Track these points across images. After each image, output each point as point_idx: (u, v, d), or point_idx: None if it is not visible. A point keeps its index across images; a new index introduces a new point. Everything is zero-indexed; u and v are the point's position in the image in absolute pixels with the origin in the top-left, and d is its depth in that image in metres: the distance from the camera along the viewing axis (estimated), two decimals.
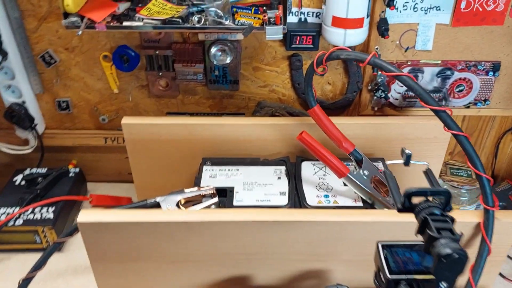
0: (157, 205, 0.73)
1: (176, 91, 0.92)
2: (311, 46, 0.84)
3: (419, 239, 0.61)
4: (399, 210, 0.45)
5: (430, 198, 0.45)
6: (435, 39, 0.84)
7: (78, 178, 0.99)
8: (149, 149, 0.83)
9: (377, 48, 0.83)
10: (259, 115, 0.93)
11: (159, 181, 0.88)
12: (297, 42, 0.82)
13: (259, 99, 0.93)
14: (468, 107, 0.91)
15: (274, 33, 0.70)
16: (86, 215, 0.61)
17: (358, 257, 0.65)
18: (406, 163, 0.58)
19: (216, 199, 0.72)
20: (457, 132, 0.57)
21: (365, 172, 0.71)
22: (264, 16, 0.71)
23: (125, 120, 0.81)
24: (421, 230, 0.41)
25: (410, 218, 0.60)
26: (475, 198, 0.88)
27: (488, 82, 0.87)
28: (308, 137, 0.68)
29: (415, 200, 0.44)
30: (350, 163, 0.80)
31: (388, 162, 0.58)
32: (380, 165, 0.81)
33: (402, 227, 0.61)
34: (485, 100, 0.89)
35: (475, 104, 0.90)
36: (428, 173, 0.57)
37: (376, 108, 0.92)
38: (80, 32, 0.70)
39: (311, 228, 0.62)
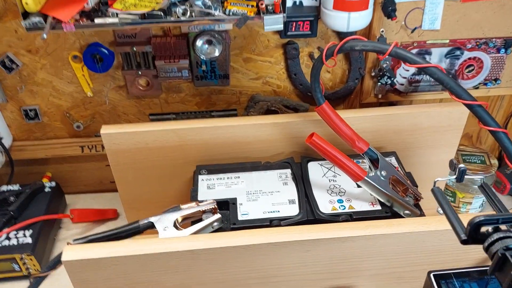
0: (151, 226, 0.64)
1: (159, 90, 0.82)
2: (309, 32, 0.75)
3: (469, 262, 0.54)
4: (463, 242, 0.38)
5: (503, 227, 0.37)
6: (443, 17, 0.76)
7: (55, 192, 0.89)
8: (134, 159, 0.74)
9: (382, 31, 0.75)
10: (253, 111, 0.85)
11: (148, 193, 0.79)
12: (293, 28, 0.73)
13: (252, 93, 0.85)
14: (477, 88, 0.84)
15: (274, 23, 0.61)
16: (72, 252, 0.52)
17: (385, 270, 0.59)
18: (460, 179, 0.50)
19: (218, 216, 0.63)
20: (496, 128, 0.50)
21: (382, 172, 0.64)
22: (261, 3, 0.62)
23: (105, 130, 0.71)
24: (498, 268, 0.34)
25: (442, 226, 0.54)
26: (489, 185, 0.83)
27: (499, 60, 0.81)
28: (319, 139, 0.60)
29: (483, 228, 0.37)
30: (360, 161, 0.73)
31: (438, 179, 0.50)
32: (392, 160, 0.74)
33: (435, 236, 0.55)
34: (495, 80, 0.83)
35: (485, 84, 0.84)
36: (485, 188, 0.49)
37: (380, 96, 0.84)
38: (45, 36, 0.59)
39: (336, 246, 0.54)
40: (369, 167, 0.66)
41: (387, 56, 0.53)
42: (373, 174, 0.63)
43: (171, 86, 0.82)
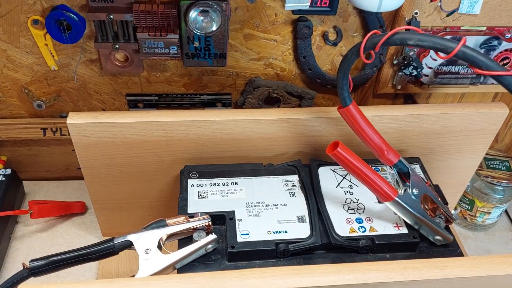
0: (129, 246, 0.52)
1: (139, 67, 0.68)
2: (327, 8, 0.62)
3: None
4: None
5: None
6: (485, 0, 0.64)
7: (11, 181, 0.75)
8: (109, 155, 0.61)
9: (416, 13, 0.62)
10: (251, 97, 0.72)
11: (124, 193, 0.66)
12: (310, 2, 0.60)
13: (251, 76, 0.71)
14: None
15: (298, 1, 0.47)
16: None
17: None
18: None
19: (213, 237, 0.51)
20: None
21: (414, 191, 0.53)
22: None
23: (74, 118, 0.57)
24: None
25: (494, 271, 0.44)
26: (510, 196, 0.74)
27: None
28: (345, 151, 0.48)
29: None
30: (380, 167, 0.62)
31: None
32: (417, 169, 0.63)
33: (484, 281, 0.45)
34: None
35: None
36: None
37: (399, 87, 0.72)
38: None
39: None
40: (397, 181, 0.55)
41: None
42: (403, 193, 0.52)
43: (155, 63, 0.68)
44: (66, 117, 0.75)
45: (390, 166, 0.54)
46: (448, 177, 0.71)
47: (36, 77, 0.68)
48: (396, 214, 0.54)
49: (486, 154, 0.77)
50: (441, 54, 0.41)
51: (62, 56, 0.66)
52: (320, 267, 0.43)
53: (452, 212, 0.80)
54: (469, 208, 0.76)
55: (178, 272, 0.51)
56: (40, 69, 0.67)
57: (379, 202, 0.56)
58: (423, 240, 0.55)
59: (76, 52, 0.66)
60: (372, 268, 0.44)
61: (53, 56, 0.65)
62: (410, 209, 0.52)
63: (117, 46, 0.63)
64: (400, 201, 0.51)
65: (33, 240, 0.73)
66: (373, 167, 0.60)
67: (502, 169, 0.74)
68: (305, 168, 0.61)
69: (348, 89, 0.50)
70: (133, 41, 0.63)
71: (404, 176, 0.55)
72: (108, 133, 0.58)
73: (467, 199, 0.76)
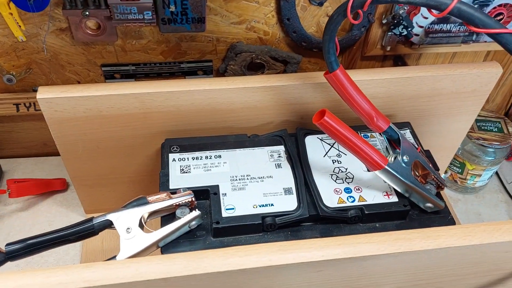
0: (109, 225, 0.49)
1: (113, 35, 0.63)
2: None
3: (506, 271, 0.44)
4: None
5: None
6: None
7: None
8: (85, 130, 0.57)
9: None
10: (233, 64, 0.68)
11: (104, 168, 0.63)
12: None
13: (232, 41, 0.67)
14: None
15: None
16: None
17: (409, 283, 0.48)
18: None
19: (197, 213, 0.49)
20: None
21: (404, 158, 0.51)
22: None
23: (43, 93, 0.53)
24: None
25: (488, 238, 0.43)
26: (501, 158, 0.72)
27: None
28: (332, 119, 0.45)
29: None
30: (368, 134, 0.59)
31: None
32: (407, 134, 0.61)
33: (479, 249, 0.44)
34: None
35: None
36: None
37: (388, 48, 0.69)
38: None
39: (355, 264, 0.42)
40: (386, 148, 0.53)
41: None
42: (393, 160, 0.50)
43: (129, 30, 0.64)
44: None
45: (380, 133, 0.52)
46: (439, 140, 0.69)
47: (3, 50, 0.64)
48: (386, 182, 0.52)
49: (477, 115, 0.75)
50: (434, 12, 0.38)
51: (29, 25, 0.61)
52: (307, 242, 0.41)
53: (442, 175, 0.79)
54: (460, 171, 0.75)
55: (161, 251, 0.49)
56: (7, 41, 0.63)
57: (368, 170, 0.54)
58: (413, 208, 0.53)
59: (44, 21, 0.61)
60: (362, 240, 0.42)
61: (20, 26, 0.61)
62: (400, 177, 0.50)
63: (87, 13, 0.59)
64: (390, 170, 0.49)
65: (13, 220, 0.71)
66: (361, 134, 0.58)
67: (494, 130, 0.72)
68: (291, 137, 0.59)
69: (335, 53, 0.47)
70: (104, 7, 0.59)
71: (394, 142, 0.52)
72: (82, 108, 0.55)
73: (457, 162, 0.75)
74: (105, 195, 0.68)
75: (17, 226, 0.70)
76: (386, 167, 0.49)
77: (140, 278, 0.38)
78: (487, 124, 0.73)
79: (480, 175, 0.74)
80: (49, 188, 0.74)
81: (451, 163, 0.76)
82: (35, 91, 0.70)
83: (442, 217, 0.54)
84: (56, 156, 0.79)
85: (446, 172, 0.78)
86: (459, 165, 0.75)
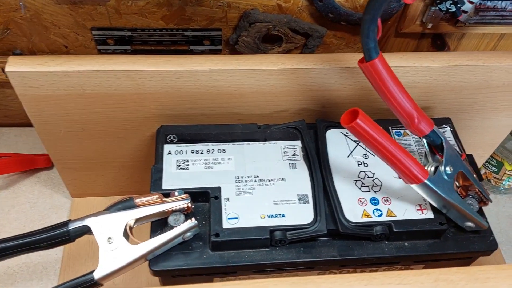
0: (87, 232, 0.41)
1: None
2: None
3: None
4: None
5: None
6: None
7: None
8: (66, 109, 0.49)
9: None
10: (246, 35, 0.58)
11: (90, 152, 0.55)
12: None
13: (246, 8, 0.57)
14: None
15: None
16: None
17: None
18: None
19: (193, 223, 0.41)
20: None
21: (447, 169, 0.42)
22: None
23: (14, 66, 0.44)
24: None
25: None
26: None
27: None
28: (365, 122, 0.36)
29: None
30: (401, 131, 0.50)
31: None
32: (447, 132, 0.52)
33: None
34: None
35: None
36: None
37: (430, 25, 0.59)
38: None
39: None
40: (425, 154, 0.44)
41: None
42: (433, 172, 0.42)
43: None
44: (20, 54, 0.62)
45: (420, 138, 0.42)
46: (478, 137, 0.60)
47: None
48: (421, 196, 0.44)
49: None
50: None
51: None
52: (326, 279, 0.33)
53: None
54: (496, 170, 0.66)
55: (149, 264, 0.41)
56: None
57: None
58: (448, 223, 0.45)
59: None
60: (394, 280, 0.34)
61: None
62: (441, 193, 0.41)
63: None
64: (430, 184, 0.40)
65: None
66: (393, 131, 0.49)
67: None
68: (309, 130, 0.50)
69: (376, 37, 0.37)
70: None
71: (435, 148, 0.43)
72: (62, 84, 0.46)
73: (494, 161, 0.66)
74: (93, 179, 0.60)
75: None
76: (426, 181, 0.40)
77: None
78: None
79: None
80: (32, 165, 0.66)
81: (487, 161, 0.67)
82: (16, 54, 0.61)
83: (482, 237, 0.45)
84: None
85: (480, 169, 0.69)
86: (496, 164, 0.66)
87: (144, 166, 0.58)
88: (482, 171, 0.69)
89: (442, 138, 0.42)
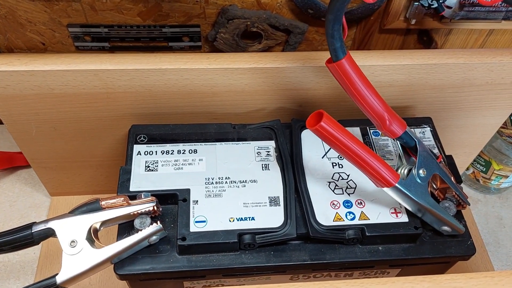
0: (51, 235, 0.41)
1: None
2: None
3: None
4: None
5: None
6: None
7: None
8: (36, 110, 0.48)
9: None
10: (224, 32, 0.57)
11: (64, 151, 0.54)
12: None
13: (224, 3, 0.56)
14: None
15: None
16: None
17: None
18: None
19: (158, 226, 0.40)
20: None
21: (420, 172, 0.41)
22: None
23: None
24: None
25: None
26: None
27: None
28: (330, 124, 0.35)
29: None
30: (379, 131, 0.49)
31: None
32: (427, 132, 0.50)
33: None
34: None
35: None
36: None
37: (413, 21, 0.57)
38: None
39: None
40: (399, 156, 0.43)
41: None
42: (406, 175, 0.40)
43: None
44: None
45: (394, 139, 0.41)
46: (464, 136, 0.58)
47: None
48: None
49: None
50: None
51: None
52: (285, 287, 0.32)
53: (464, 172, 0.68)
54: (484, 170, 0.65)
55: (114, 267, 0.40)
56: None
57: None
58: (425, 227, 0.43)
59: None
60: (362, 284, 0.33)
61: None
62: (413, 197, 0.40)
63: None
64: (401, 188, 0.39)
65: None
66: (371, 131, 0.48)
67: None
68: (285, 130, 0.49)
69: (341, 37, 0.36)
70: None
71: (410, 150, 0.42)
72: (28, 84, 0.45)
73: (482, 160, 0.64)
74: (70, 178, 0.59)
75: None
76: (397, 185, 0.39)
77: None
78: None
79: (507, 177, 0.64)
80: (12, 163, 0.65)
81: (474, 160, 0.65)
82: None
83: (460, 241, 0.44)
84: None
85: (468, 169, 0.67)
86: (484, 164, 0.64)
87: (121, 165, 0.57)
88: (470, 171, 0.67)
89: (415, 140, 0.41)
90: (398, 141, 0.41)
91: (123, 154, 0.55)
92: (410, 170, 0.41)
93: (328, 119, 0.35)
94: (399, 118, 0.40)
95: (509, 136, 0.60)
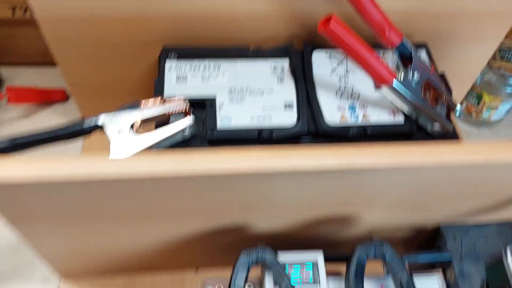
0: (100, 127, 0.48)
1: None
2: None
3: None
4: None
5: None
6: None
7: None
8: (78, 33, 0.55)
9: None
10: None
11: (101, 78, 0.61)
12: None
13: None
14: None
15: None
16: None
17: (401, 199, 0.46)
18: None
19: (190, 119, 0.47)
20: None
21: (414, 75, 0.47)
22: None
23: None
24: None
25: (494, 156, 0.40)
26: None
27: None
28: (339, 26, 0.42)
29: None
30: (381, 51, 0.56)
31: None
32: (423, 55, 0.57)
33: (481, 170, 0.41)
34: None
35: None
36: None
37: None
38: None
39: (349, 177, 0.40)
40: (396, 65, 0.50)
41: None
42: (401, 77, 0.47)
43: None
44: None
45: (391, 47, 0.48)
46: (457, 66, 0.65)
47: None
48: (393, 104, 0.49)
49: (501, 44, 0.70)
50: None
51: None
52: (302, 150, 0.39)
53: (458, 107, 0.75)
54: (476, 102, 0.71)
55: None
56: None
57: (376, 88, 0.51)
58: (419, 132, 0.50)
59: None
60: (359, 152, 0.40)
61: None
62: (407, 97, 0.47)
63: None
64: (397, 88, 0.46)
65: (14, 127, 0.70)
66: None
67: None
68: (298, 53, 0.55)
69: None
70: None
71: (406, 59, 0.49)
72: (73, 6, 0.51)
73: (475, 93, 0.71)
74: (106, 105, 0.66)
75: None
76: (394, 85, 0.45)
77: (127, 177, 0.36)
78: (510, 54, 0.68)
79: (496, 108, 0.70)
80: (49, 98, 0.73)
81: (468, 94, 0.72)
82: None
83: (449, 142, 0.51)
84: (55, 66, 0.77)
85: (461, 103, 0.74)
86: (476, 96, 0.71)
87: (151, 92, 0.64)
88: (464, 105, 0.74)
89: (411, 49, 0.47)
90: (396, 51, 0.48)
91: (153, 82, 0.63)
92: (405, 74, 0.47)
93: (337, 21, 0.42)
94: (396, 29, 0.47)
95: (498, 68, 0.67)
